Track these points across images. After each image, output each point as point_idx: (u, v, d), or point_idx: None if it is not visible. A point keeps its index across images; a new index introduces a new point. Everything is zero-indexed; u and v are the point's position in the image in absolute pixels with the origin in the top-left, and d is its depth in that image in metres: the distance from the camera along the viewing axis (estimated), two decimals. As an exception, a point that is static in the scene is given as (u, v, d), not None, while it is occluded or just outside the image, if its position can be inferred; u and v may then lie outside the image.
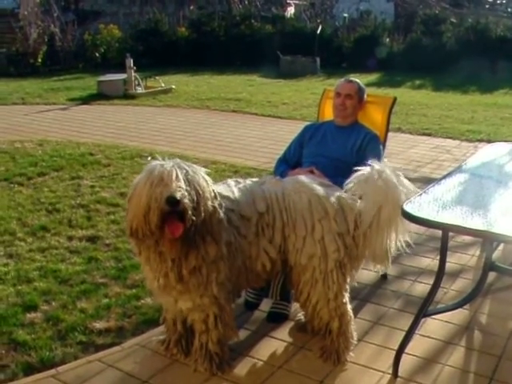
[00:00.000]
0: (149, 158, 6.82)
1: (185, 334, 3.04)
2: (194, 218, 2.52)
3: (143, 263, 2.78)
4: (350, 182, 3.00)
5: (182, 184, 2.50)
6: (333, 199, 2.97)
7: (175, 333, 3.06)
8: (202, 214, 2.56)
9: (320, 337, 3.13)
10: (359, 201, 2.99)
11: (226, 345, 2.96)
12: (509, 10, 13.78)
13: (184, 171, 2.56)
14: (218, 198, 2.70)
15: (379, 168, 2.95)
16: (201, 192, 2.57)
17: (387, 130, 3.95)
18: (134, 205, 2.57)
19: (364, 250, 3.02)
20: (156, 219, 2.49)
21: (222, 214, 2.70)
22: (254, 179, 3.14)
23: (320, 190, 2.99)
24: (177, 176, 2.50)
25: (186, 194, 2.49)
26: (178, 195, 2.46)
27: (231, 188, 2.95)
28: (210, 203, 2.61)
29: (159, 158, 2.64)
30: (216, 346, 2.90)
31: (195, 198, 2.53)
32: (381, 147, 3.75)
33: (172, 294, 2.79)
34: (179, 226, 2.51)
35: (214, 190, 2.68)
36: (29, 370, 2.95)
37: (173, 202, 2.46)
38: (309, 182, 3.04)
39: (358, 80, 3.89)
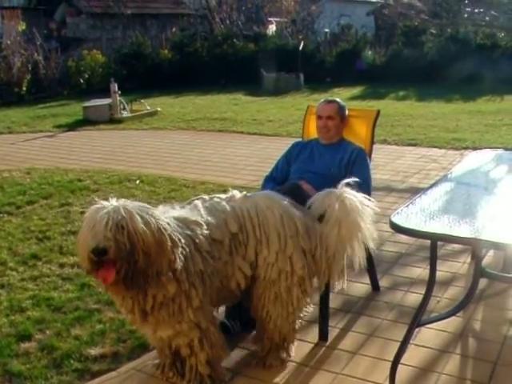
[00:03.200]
0: (137, 182, 6.87)
1: (178, 357, 3.03)
2: (127, 265, 2.47)
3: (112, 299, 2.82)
4: (312, 203, 3.05)
5: (110, 233, 2.43)
6: (300, 217, 3.01)
7: (167, 357, 3.05)
8: (141, 261, 2.49)
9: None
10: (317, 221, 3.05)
11: (218, 364, 2.95)
12: (487, 18, 13.95)
13: (119, 217, 2.47)
14: (171, 238, 2.59)
15: (338, 191, 3.01)
16: (138, 238, 2.48)
17: (372, 143, 3.99)
18: (77, 249, 2.63)
19: (321, 267, 3.07)
20: (89, 267, 2.50)
21: (176, 251, 2.60)
22: (222, 195, 3.10)
23: (290, 207, 3.03)
24: (106, 224, 2.44)
25: (113, 243, 2.43)
26: (104, 245, 2.42)
27: (199, 210, 2.91)
28: (152, 248, 2.51)
29: (102, 201, 2.59)
30: (206, 368, 2.88)
31: (128, 246, 2.46)
32: (368, 161, 3.79)
33: (147, 326, 2.80)
34: (111, 271, 2.47)
35: (162, 233, 2.56)
36: (25, 400, 2.94)
37: (97, 253, 2.43)
38: (278, 198, 3.07)
39: (337, 99, 3.94)
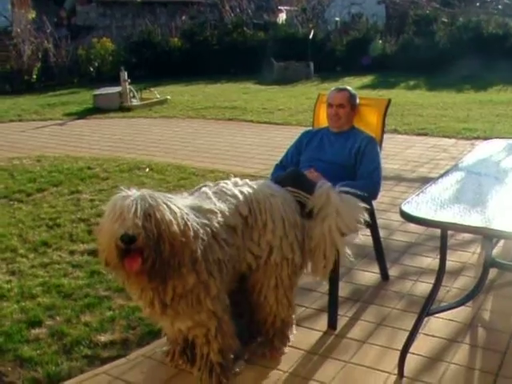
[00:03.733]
0: (147, 170, 6.88)
1: (189, 345, 3.04)
2: (154, 254, 2.44)
3: (130, 291, 2.79)
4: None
5: (139, 221, 2.40)
6: (297, 209, 3.08)
7: (178, 344, 3.06)
8: (166, 251, 2.47)
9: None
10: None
11: (228, 353, 2.96)
12: (499, 7, 13.80)
13: (146, 205, 2.45)
14: (193, 228, 2.58)
15: (325, 187, 3.05)
16: (164, 228, 2.46)
17: (383, 132, 3.97)
18: (100, 238, 2.56)
19: (307, 261, 3.11)
20: (115, 255, 2.45)
21: (197, 242, 2.59)
22: (227, 181, 3.10)
23: (289, 197, 3.08)
24: (135, 211, 2.41)
25: (143, 231, 2.40)
26: (133, 233, 2.38)
27: (210, 198, 2.89)
28: (178, 237, 2.49)
29: (127, 190, 2.56)
30: (218, 356, 2.89)
31: (155, 235, 2.43)
32: (378, 149, 3.77)
33: (165, 319, 2.79)
34: (137, 260, 2.44)
35: (186, 223, 2.55)
36: (36, 385, 2.96)
37: (127, 240, 2.39)
38: (278, 188, 3.11)
39: (348, 87, 3.92)
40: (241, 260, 2.92)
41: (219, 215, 2.80)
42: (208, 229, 2.71)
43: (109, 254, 2.49)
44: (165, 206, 2.49)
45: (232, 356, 2.97)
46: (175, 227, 2.48)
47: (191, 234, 2.55)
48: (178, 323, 2.79)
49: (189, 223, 2.55)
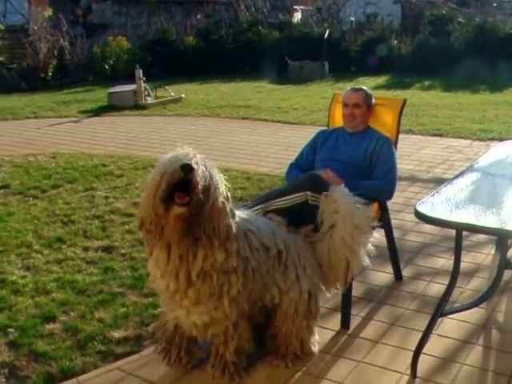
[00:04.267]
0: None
1: (185, 345, 3.06)
2: (199, 201, 2.50)
3: (153, 268, 2.77)
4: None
5: (199, 160, 2.51)
6: None
7: (173, 344, 3.07)
8: (208, 206, 2.53)
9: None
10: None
11: (242, 353, 2.97)
12: (516, 7, 13.75)
13: (203, 157, 2.57)
14: (230, 201, 2.68)
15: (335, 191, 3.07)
16: (214, 181, 2.56)
17: (398, 132, 3.96)
18: (146, 186, 2.59)
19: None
20: (166, 188, 2.48)
21: (232, 221, 2.67)
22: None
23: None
24: (194, 154, 2.53)
25: (201, 170, 2.48)
26: (193, 164, 2.46)
27: (248, 213, 2.98)
28: (220, 199, 2.58)
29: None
30: (233, 356, 2.91)
31: (208, 181, 2.52)
32: (394, 150, 3.77)
33: (184, 304, 2.77)
34: (185, 197, 2.49)
35: (227, 193, 2.66)
36: (50, 380, 2.98)
37: (187, 168, 2.44)
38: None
39: (363, 87, 3.92)
40: (267, 288, 2.93)
41: (254, 226, 2.87)
42: (241, 228, 2.76)
43: (154, 197, 2.51)
44: (216, 169, 2.61)
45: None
46: (222, 189, 2.58)
47: (228, 207, 2.63)
48: (195, 315, 2.79)
49: (229, 195, 2.66)
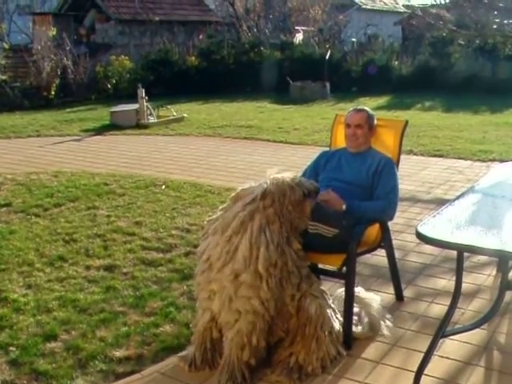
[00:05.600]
0: (163, 187, 6.93)
1: (211, 349, 3.17)
2: None
3: None
4: None
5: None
6: None
7: (201, 348, 3.16)
8: None
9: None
10: None
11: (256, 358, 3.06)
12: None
13: None
14: None
15: None
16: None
17: (400, 153, 3.98)
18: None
19: None
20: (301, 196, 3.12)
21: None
22: None
23: None
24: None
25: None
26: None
27: None
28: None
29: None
30: (247, 356, 3.02)
31: None
32: (395, 170, 3.78)
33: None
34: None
35: None
36: (51, 399, 2.98)
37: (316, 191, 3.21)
38: None
39: (366, 108, 3.94)
40: (286, 303, 3.08)
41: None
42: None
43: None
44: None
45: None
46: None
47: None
48: (240, 295, 2.91)
49: None
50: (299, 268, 3.07)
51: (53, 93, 15.94)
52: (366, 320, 3.51)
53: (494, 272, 4.37)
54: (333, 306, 3.32)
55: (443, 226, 2.79)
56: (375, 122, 3.90)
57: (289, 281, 3.01)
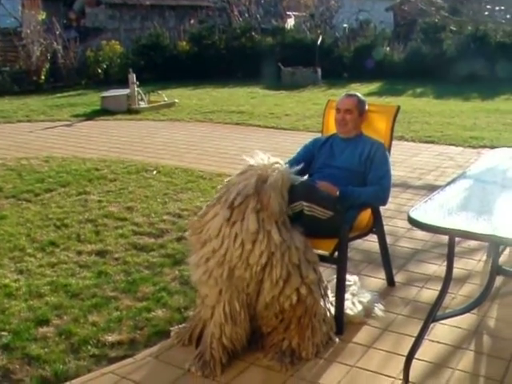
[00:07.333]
0: (154, 172, 6.92)
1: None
2: None
3: None
4: None
5: None
6: None
7: (197, 327, 3.24)
8: None
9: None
10: None
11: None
12: (507, 16, 13.83)
13: None
14: None
15: None
16: None
17: (391, 139, 3.98)
18: None
19: None
20: None
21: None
22: None
23: None
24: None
25: None
26: None
27: None
28: None
29: None
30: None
31: None
32: (388, 156, 3.79)
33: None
34: None
35: None
36: (43, 383, 2.98)
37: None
38: None
39: (357, 93, 3.93)
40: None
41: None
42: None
43: None
44: None
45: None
46: None
47: None
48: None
49: None
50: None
51: (43, 77, 15.85)
52: (359, 304, 3.54)
53: (485, 257, 4.40)
54: (328, 293, 3.33)
55: (435, 211, 2.80)
56: (366, 107, 3.89)
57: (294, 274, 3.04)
